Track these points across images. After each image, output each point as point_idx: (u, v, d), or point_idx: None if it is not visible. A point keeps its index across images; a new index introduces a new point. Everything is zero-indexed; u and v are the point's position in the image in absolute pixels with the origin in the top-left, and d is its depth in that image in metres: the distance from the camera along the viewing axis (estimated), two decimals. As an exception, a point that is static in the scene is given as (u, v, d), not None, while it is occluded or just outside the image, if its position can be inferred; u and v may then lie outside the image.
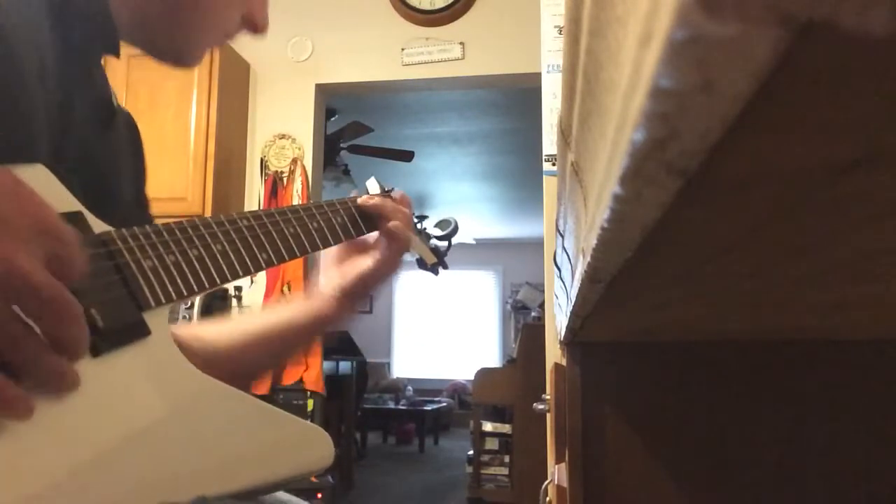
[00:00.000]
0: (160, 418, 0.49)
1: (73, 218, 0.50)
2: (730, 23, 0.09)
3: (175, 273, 0.55)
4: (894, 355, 0.64)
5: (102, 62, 0.68)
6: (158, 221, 0.62)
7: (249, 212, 0.66)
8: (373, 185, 0.87)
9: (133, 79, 2.67)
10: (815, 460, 0.64)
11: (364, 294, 0.81)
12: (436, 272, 0.94)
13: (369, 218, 0.81)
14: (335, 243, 0.75)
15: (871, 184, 0.16)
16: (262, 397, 2.55)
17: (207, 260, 0.58)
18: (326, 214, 0.75)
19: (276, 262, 0.66)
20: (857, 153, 0.14)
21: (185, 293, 0.55)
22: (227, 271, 0.60)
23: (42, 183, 0.49)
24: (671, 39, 0.09)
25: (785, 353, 0.66)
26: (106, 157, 0.64)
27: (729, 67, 0.10)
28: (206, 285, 0.58)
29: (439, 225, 0.94)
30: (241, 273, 0.61)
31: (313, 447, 0.59)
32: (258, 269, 0.64)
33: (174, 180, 2.71)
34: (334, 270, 0.81)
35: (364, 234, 0.80)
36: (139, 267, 0.52)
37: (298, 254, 0.69)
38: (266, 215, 0.67)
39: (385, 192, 0.86)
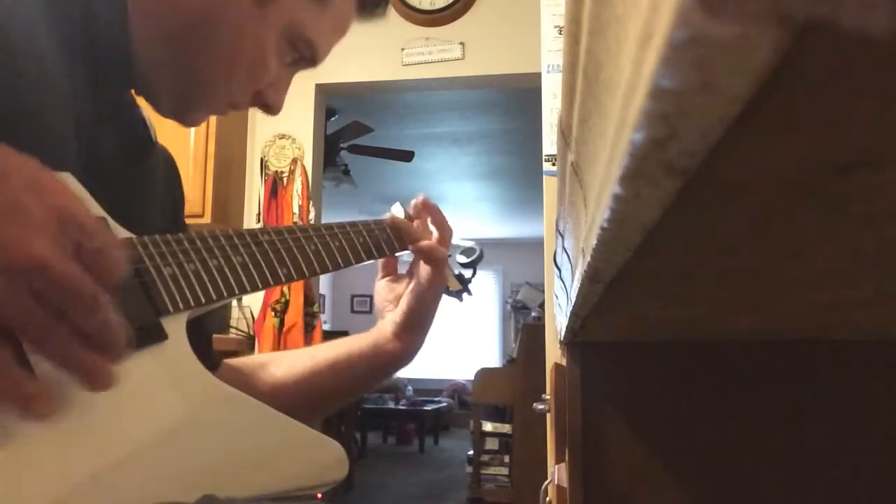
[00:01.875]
0: (174, 422, 0.50)
1: None
2: (730, 23, 0.09)
3: (194, 281, 0.56)
4: (894, 355, 0.64)
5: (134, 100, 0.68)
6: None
7: (271, 227, 0.67)
8: (397, 210, 0.87)
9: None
10: (815, 460, 0.64)
11: (421, 322, 0.81)
12: (460, 298, 0.95)
13: (395, 240, 0.80)
14: (356, 263, 0.75)
15: (871, 184, 0.16)
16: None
17: (227, 270, 0.59)
18: (349, 234, 0.75)
19: (296, 278, 0.66)
20: (857, 153, 0.14)
21: (204, 301, 0.56)
22: (246, 283, 0.60)
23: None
24: (671, 39, 0.09)
25: (785, 353, 0.66)
26: (131, 190, 0.65)
27: (729, 67, 0.10)
28: (225, 294, 0.58)
29: (465, 252, 0.95)
30: (260, 285, 0.62)
31: (327, 459, 0.59)
32: (277, 282, 0.64)
33: (174, 180, 2.71)
34: (389, 308, 0.81)
35: (386, 256, 0.80)
36: (159, 273, 0.53)
37: (319, 271, 0.69)
38: (287, 231, 0.68)
39: (410, 217, 0.86)
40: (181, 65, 0.64)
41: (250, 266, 0.61)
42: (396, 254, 0.80)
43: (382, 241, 0.79)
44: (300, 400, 0.75)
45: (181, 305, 0.54)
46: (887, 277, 0.28)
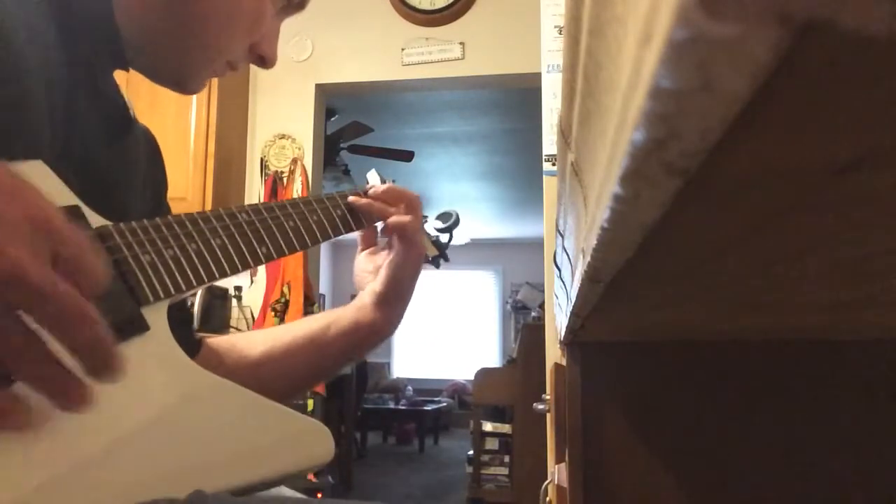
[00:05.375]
0: (159, 413, 0.50)
1: (70, 212, 0.50)
2: (730, 23, 0.09)
3: (174, 267, 0.55)
4: (894, 355, 0.64)
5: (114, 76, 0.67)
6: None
7: (249, 205, 0.66)
8: (373, 177, 0.87)
9: (133, 79, 2.66)
10: (814, 460, 0.64)
11: (401, 293, 0.79)
12: (437, 265, 0.94)
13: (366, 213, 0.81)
14: (335, 236, 0.75)
15: (871, 184, 0.16)
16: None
17: (207, 254, 0.58)
18: (326, 208, 0.75)
19: (275, 256, 0.66)
20: (857, 153, 0.14)
21: (184, 287, 0.55)
22: (226, 266, 0.60)
23: (39, 178, 0.48)
24: (671, 39, 0.09)
25: (785, 353, 0.66)
26: (112, 169, 0.64)
27: (729, 67, 0.10)
28: (206, 279, 0.58)
29: (441, 217, 0.94)
30: (240, 268, 0.61)
31: (313, 443, 0.59)
32: (258, 262, 0.64)
33: (174, 180, 2.68)
34: (368, 279, 0.81)
35: (364, 227, 0.80)
36: (137, 261, 0.52)
37: (298, 247, 0.69)
38: (266, 209, 0.67)
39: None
40: (178, 30, 0.64)
41: (230, 248, 0.61)
42: (375, 223, 0.81)
43: (360, 212, 0.79)
44: (278, 379, 0.74)
45: (161, 294, 0.53)
46: (887, 278, 0.28)
